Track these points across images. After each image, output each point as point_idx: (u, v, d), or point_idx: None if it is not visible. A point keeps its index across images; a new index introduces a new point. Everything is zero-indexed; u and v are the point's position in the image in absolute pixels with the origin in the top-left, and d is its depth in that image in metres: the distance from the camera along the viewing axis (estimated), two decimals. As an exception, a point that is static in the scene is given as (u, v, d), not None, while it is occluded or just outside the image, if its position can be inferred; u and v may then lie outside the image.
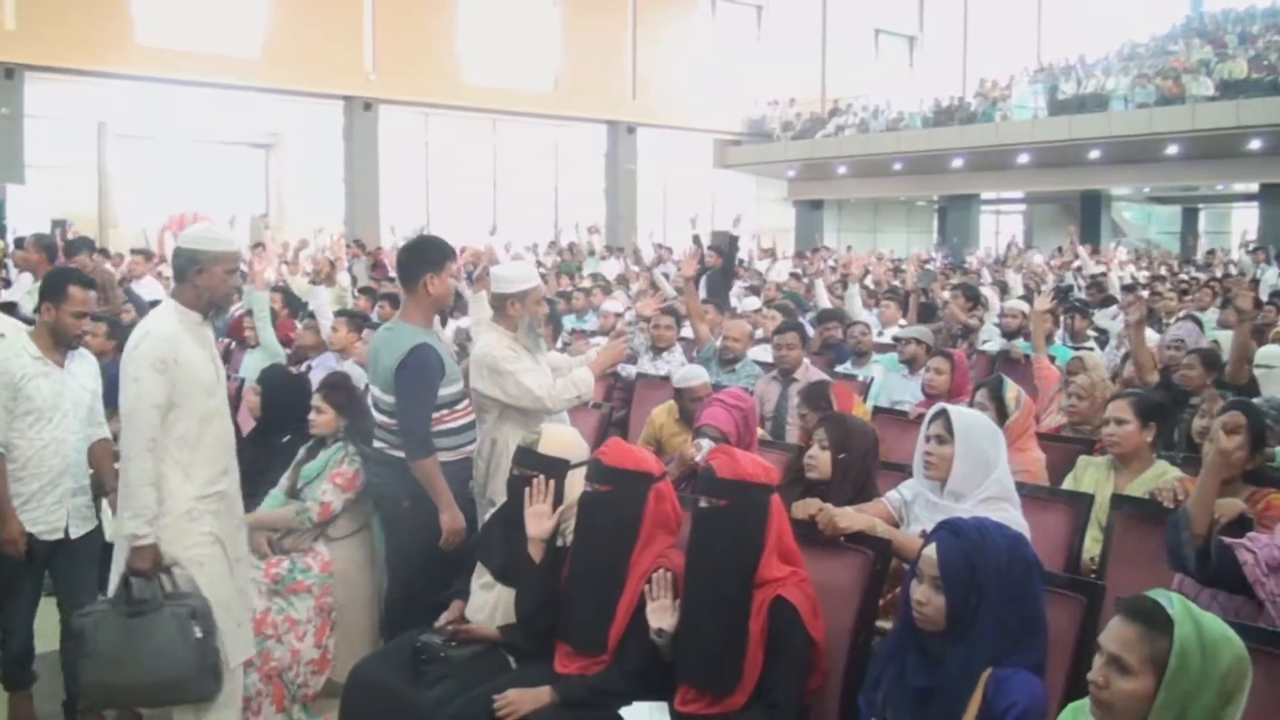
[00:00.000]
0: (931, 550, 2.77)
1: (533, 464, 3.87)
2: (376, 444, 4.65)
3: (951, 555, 2.72)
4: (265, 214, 14.44)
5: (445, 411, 4.50)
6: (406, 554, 4.52)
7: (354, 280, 13.77)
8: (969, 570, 2.69)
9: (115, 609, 3.73)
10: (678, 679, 3.34)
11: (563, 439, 3.98)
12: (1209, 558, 3.21)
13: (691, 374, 5.84)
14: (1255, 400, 5.21)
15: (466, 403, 4.66)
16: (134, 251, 12.65)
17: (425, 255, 4.60)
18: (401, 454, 4.41)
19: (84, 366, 4.65)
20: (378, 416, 4.60)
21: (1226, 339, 7.78)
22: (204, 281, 3.88)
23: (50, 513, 4.44)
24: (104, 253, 13.61)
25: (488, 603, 3.85)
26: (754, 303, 11.06)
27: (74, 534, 4.52)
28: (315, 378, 5.88)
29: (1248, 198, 29.95)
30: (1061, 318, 9.04)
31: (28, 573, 4.48)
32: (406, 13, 24.85)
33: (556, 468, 3.85)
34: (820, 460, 4.09)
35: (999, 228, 38.04)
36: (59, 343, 4.49)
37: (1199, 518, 3.25)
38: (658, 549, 3.56)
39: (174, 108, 22.17)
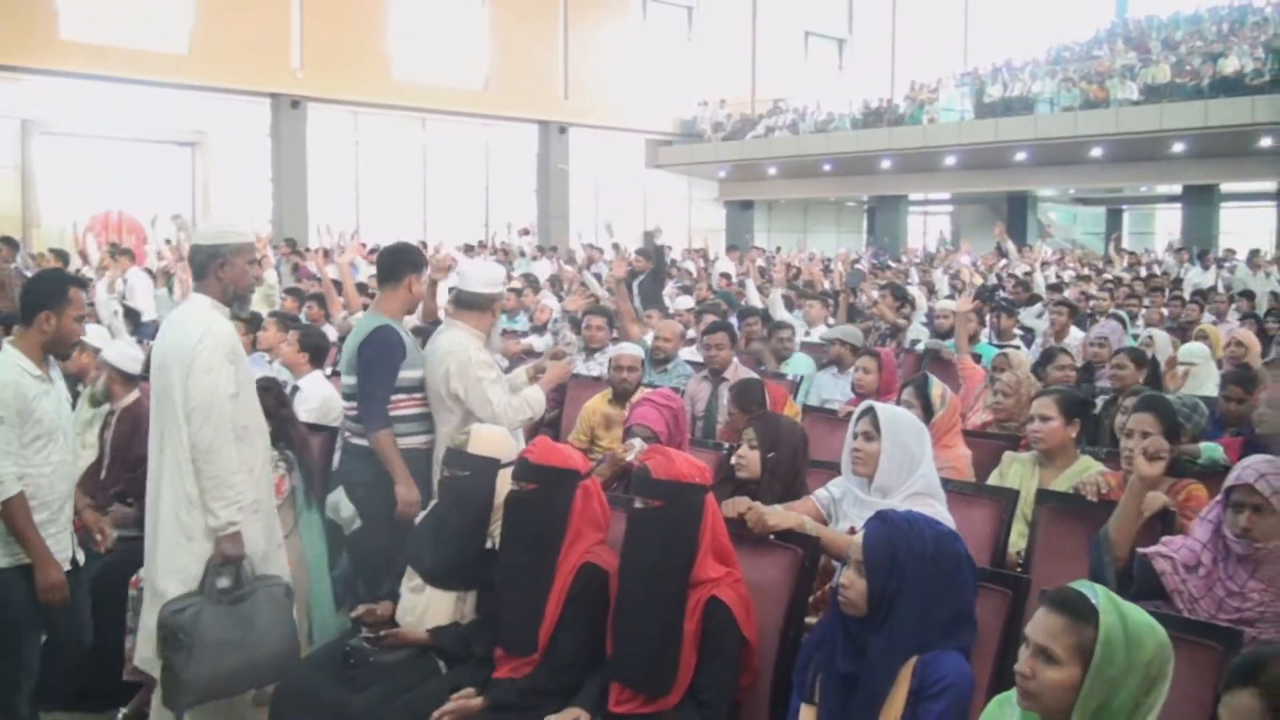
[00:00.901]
0: (860, 537, 2.85)
1: (462, 464, 3.85)
2: (345, 434, 4.87)
3: (875, 540, 2.80)
4: (178, 214, 14.21)
5: (403, 396, 4.69)
6: (377, 541, 4.56)
7: (280, 279, 13.64)
8: (890, 555, 2.76)
9: (212, 599, 3.83)
10: (612, 679, 3.34)
11: (492, 439, 3.95)
12: (1131, 579, 3.28)
13: (624, 347, 6.15)
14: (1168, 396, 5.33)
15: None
16: (51, 251, 12.43)
17: (410, 258, 4.93)
18: (358, 440, 4.66)
19: (58, 376, 4.20)
20: (346, 405, 4.83)
21: (1160, 338, 7.97)
22: (228, 274, 4.02)
23: (59, 541, 4.02)
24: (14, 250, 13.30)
25: (417, 606, 3.82)
26: (686, 302, 11.10)
27: (80, 561, 4.19)
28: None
29: (1171, 199, 30.56)
30: (987, 316, 9.17)
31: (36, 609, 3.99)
32: (335, 10, 24.58)
33: (486, 468, 3.84)
34: (750, 459, 4.11)
35: (927, 228, 38.49)
36: (54, 353, 4.09)
37: (1120, 542, 3.33)
38: (585, 545, 3.56)
39: (99, 105, 21.76)
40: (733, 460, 4.18)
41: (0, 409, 3.78)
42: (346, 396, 4.81)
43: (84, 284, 4.43)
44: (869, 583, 2.77)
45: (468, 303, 4.81)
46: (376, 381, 4.61)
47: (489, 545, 3.79)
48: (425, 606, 3.81)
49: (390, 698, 3.50)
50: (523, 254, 19.75)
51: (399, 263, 4.87)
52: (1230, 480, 3.26)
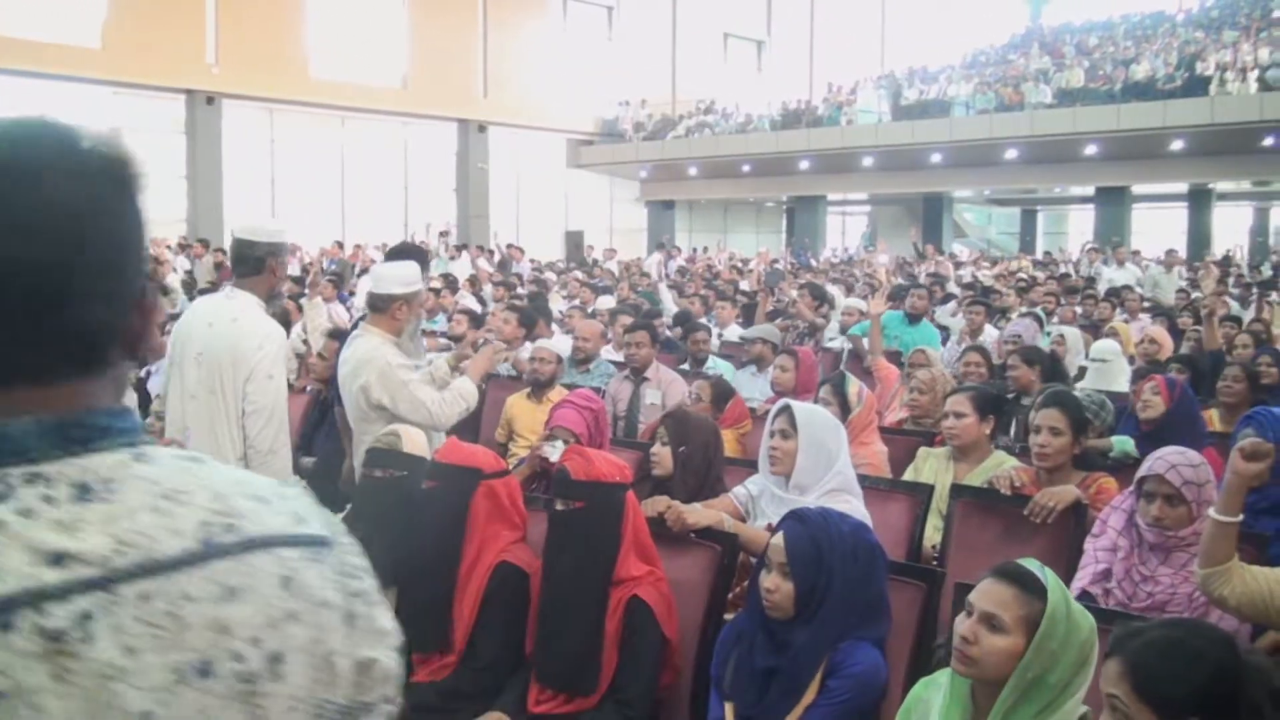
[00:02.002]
0: (779, 539, 2.85)
1: (392, 464, 3.82)
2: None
3: (799, 542, 2.81)
4: None
5: None
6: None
7: (194, 281, 13.44)
8: (815, 555, 2.78)
9: None
10: (533, 679, 3.33)
11: (418, 440, 3.94)
12: None
13: (544, 342, 6.26)
14: (1077, 393, 5.46)
15: None
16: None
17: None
18: None
19: None
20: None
21: (1072, 335, 8.13)
22: (280, 272, 4.23)
23: None
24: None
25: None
26: (607, 302, 11.11)
27: None
28: (155, 384, 5.70)
29: (1084, 200, 31.18)
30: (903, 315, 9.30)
31: None
32: (251, 5, 24.17)
33: (417, 467, 3.81)
34: (663, 456, 4.13)
35: (845, 228, 38.91)
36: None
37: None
38: (501, 545, 3.54)
39: (6, 100, 21.16)
40: (650, 459, 4.20)
41: None
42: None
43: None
44: (796, 585, 2.78)
45: (379, 305, 4.72)
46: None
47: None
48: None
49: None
50: (439, 255, 19.65)
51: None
52: (1143, 471, 3.35)
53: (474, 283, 14.85)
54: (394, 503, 3.78)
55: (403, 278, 4.73)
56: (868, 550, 2.85)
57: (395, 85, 27.45)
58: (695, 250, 28.71)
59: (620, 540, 3.31)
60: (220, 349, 4.01)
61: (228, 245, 17.41)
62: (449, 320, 10.32)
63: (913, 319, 8.99)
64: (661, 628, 3.24)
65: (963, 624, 2.37)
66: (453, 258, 19.59)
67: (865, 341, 7.56)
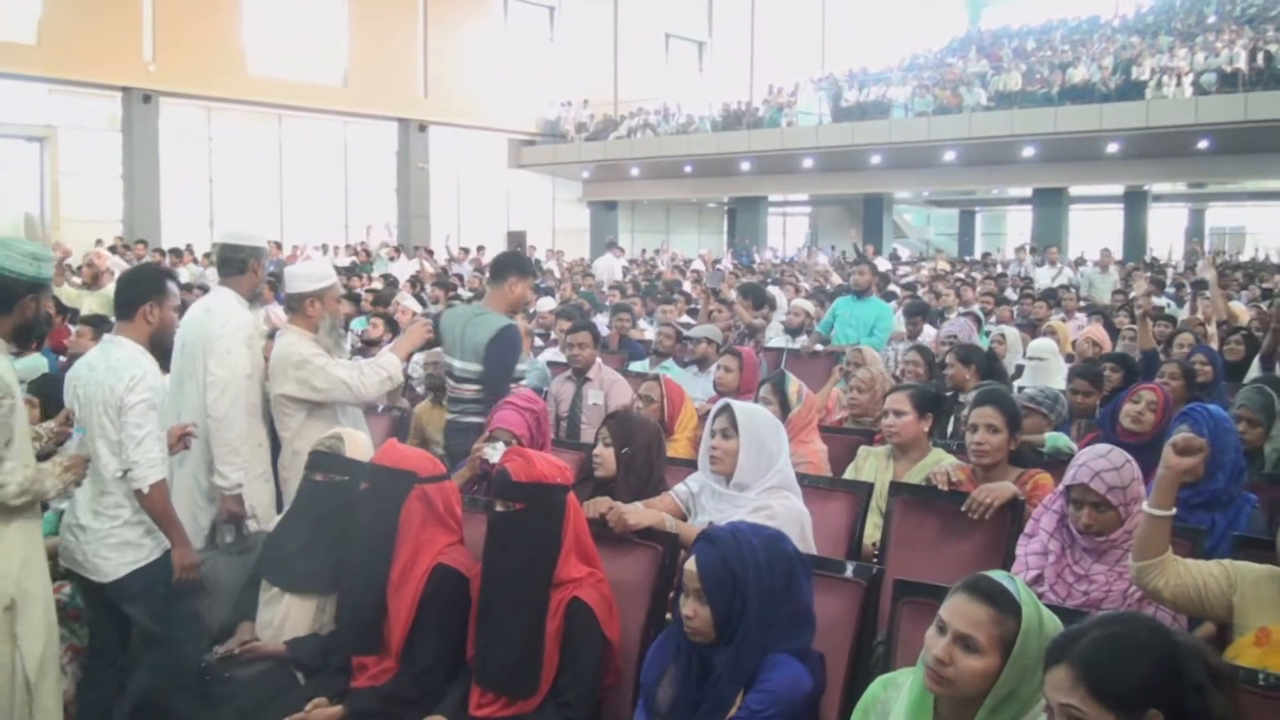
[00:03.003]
0: (692, 564, 2.80)
1: (333, 468, 3.79)
2: (449, 415, 5.43)
3: (711, 565, 2.77)
4: (28, 213, 13.78)
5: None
6: None
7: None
8: (729, 577, 2.74)
9: (222, 551, 4.25)
10: (473, 682, 3.31)
11: (361, 443, 3.90)
12: None
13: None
14: (1028, 390, 5.54)
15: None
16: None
17: (518, 263, 5.66)
18: (474, 419, 5.14)
19: None
20: (455, 386, 5.37)
21: (1011, 334, 8.23)
22: (261, 272, 4.76)
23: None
24: None
25: (274, 618, 3.74)
26: (548, 303, 11.08)
27: None
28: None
29: (1022, 201, 31.58)
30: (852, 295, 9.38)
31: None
32: (188, 1, 23.84)
33: (359, 472, 3.77)
34: (606, 457, 4.12)
35: (786, 229, 39.12)
36: (161, 344, 4.16)
37: None
38: (437, 548, 3.51)
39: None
40: (592, 460, 4.18)
41: (152, 394, 3.94)
42: (460, 379, 5.33)
43: (175, 276, 4.61)
44: (713, 609, 2.75)
45: (293, 305, 4.77)
46: (504, 369, 5.25)
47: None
48: (283, 618, 3.73)
49: (246, 713, 3.43)
50: (380, 255, 19.53)
51: (507, 266, 5.55)
52: (1067, 480, 3.37)
53: (415, 283, 14.75)
54: (336, 507, 3.75)
55: (313, 274, 4.78)
56: (784, 562, 2.81)
57: (335, 83, 27.20)
58: (643, 251, 28.77)
59: (561, 542, 3.29)
60: (194, 338, 4.52)
61: (165, 245, 17.22)
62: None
63: (859, 295, 9.03)
64: (602, 629, 3.22)
65: (936, 643, 2.32)
66: (392, 258, 19.46)
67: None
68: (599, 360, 6.75)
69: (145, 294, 4.08)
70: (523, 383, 6.74)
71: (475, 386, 5.27)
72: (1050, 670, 1.99)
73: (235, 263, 4.67)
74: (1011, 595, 2.30)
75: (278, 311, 9.15)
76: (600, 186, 33.19)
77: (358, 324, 9.89)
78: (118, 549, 3.93)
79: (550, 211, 33.22)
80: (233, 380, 4.44)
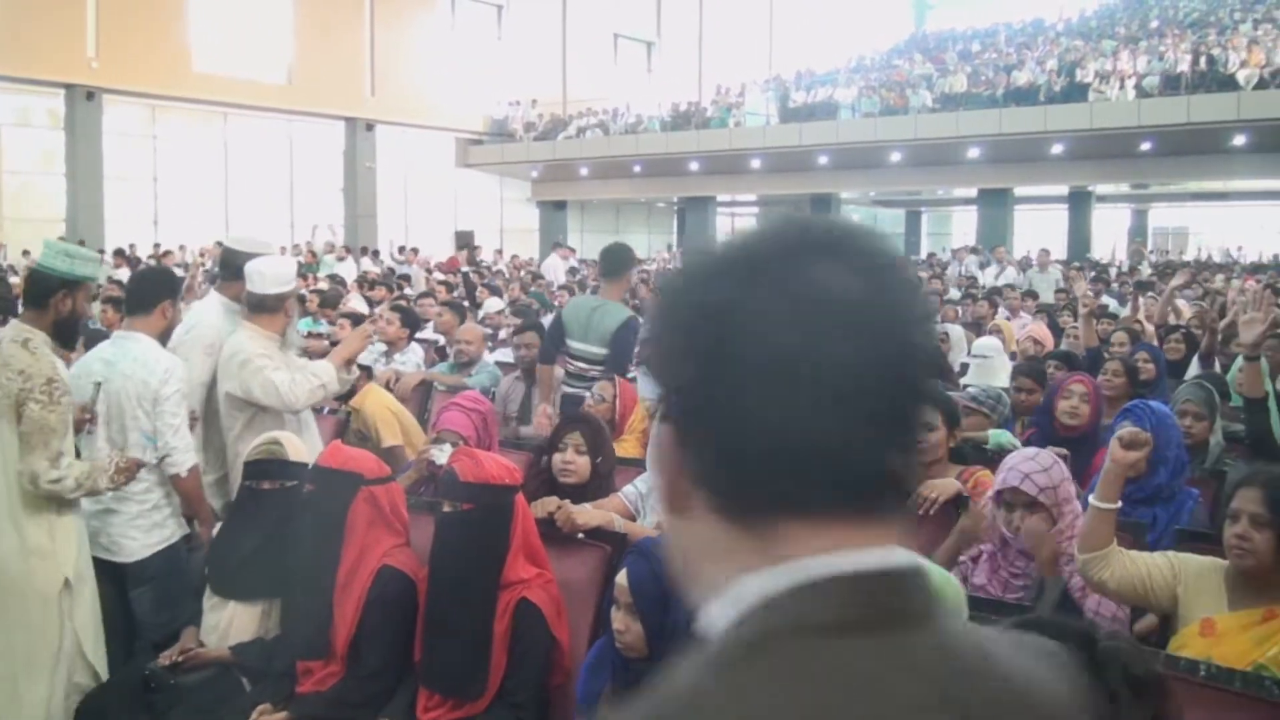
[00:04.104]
0: (623, 577, 2.77)
1: (277, 474, 3.74)
2: (567, 389, 6.13)
3: (642, 579, 2.73)
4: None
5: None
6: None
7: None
8: (659, 592, 2.68)
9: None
10: (420, 684, 3.28)
11: (299, 447, 3.86)
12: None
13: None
14: (969, 390, 5.58)
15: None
16: None
17: (631, 259, 6.51)
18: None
19: None
20: (575, 364, 6.15)
21: (956, 333, 8.30)
22: None
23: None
24: None
25: (219, 624, 3.69)
26: (496, 304, 11.04)
27: None
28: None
29: (967, 202, 31.86)
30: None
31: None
32: (132, -3, 23.53)
33: (295, 475, 3.73)
34: (579, 465, 4.05)
35: (734, 229, 39.13)
36: (162, 341, 4.42)
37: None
38: (382, 550, 3.49)
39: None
40: (557, 466, 4.11)
41: (182, 385, 4.18)
42: (581, 358, 6.13)
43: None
44: (644, 623, 2.71)
45: (258, 305, 4.68)
46: (628, 354, 5.95)
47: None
48: (228, 623, 3.69)
49: (193, 720, 3.38)
50: (324, 256, 19.38)
51: (624, 261, 6.40)
52: (998, 484, 3.42)
53: (362, 284, 14.65)
54: (278, 513, 3.70)
55: (281, 275, 4.74)
56: None
57: (280, 81, 26.98)
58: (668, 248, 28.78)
59: (509, 542, 3.27)
60: (188, 339, 4.70)
61: (109, 245, 16.94)
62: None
63: None
64: (551, 630, 3.21)
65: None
66: (340, 259, 19.31)
67: None
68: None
69: (165, 293, 4.38)
70: (471, 381, 6.74)
71: (599, 367, 5.99)
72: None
73: (233, 268, 4.76)
74: None
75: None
76: (549, 186, 33.12)
77: (304, 325, 9.80)
78: (146, 530, 4.19)
79: (498, 211, 33.14)
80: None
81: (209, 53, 25.27)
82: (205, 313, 4.72)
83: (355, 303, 11.50)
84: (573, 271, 19.94)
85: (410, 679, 3.34)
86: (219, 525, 4.04)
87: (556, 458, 4.11)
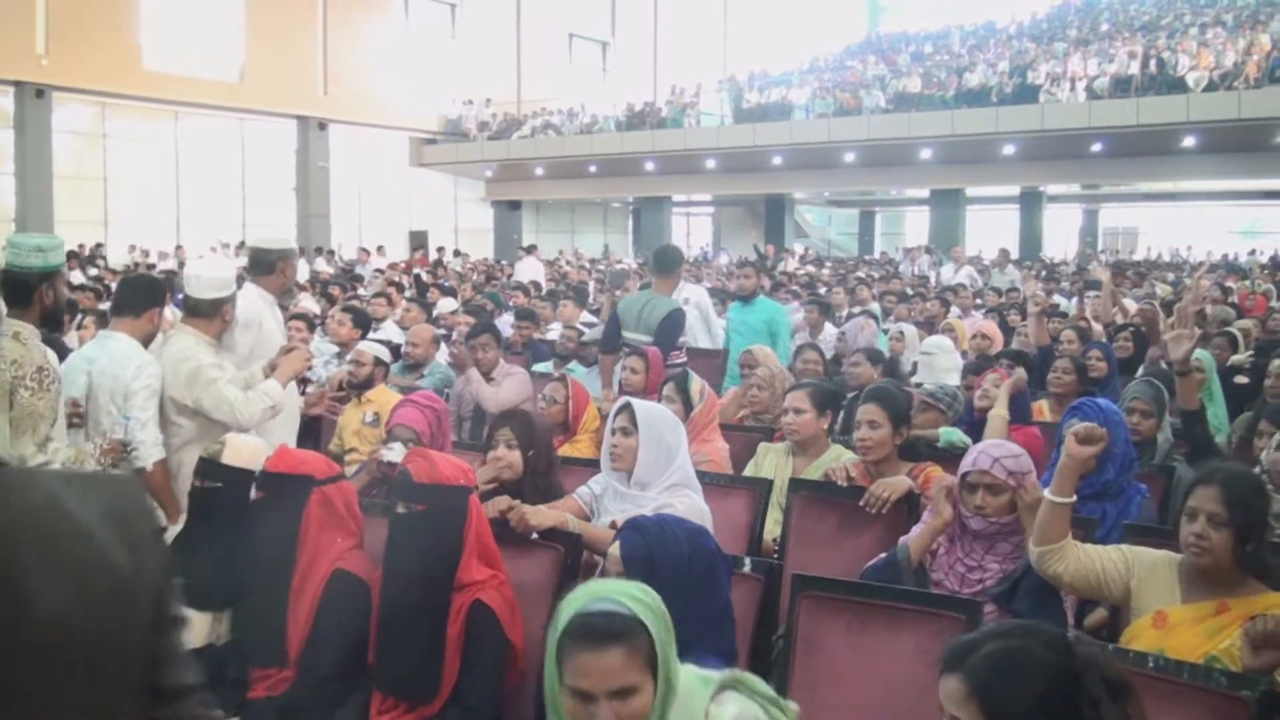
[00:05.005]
0: (616, 549, 2.78)
1: (216, 476, 3.68)
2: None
3: (634, 551, 2.74)
4: None
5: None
6: None
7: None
8: (649, 563, 2.70)
9: None
10: (374, 687, 3.26)
11: (245, 449, 3.79)
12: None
13: (363, 345, 6.34)
14: (926, 386, 5.62)
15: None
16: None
17: (680, 258, 7.47)
18: None
19: None
20: (629, 353, 6.45)
21: (910, 332, 8.35)
22: (290, 273, 5.22)
23: None
24: None
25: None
26: (449, 304, 10.98)
27: None
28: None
29: (920, 202, 32.09)
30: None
31: None
32: (82, -8, 23.18)
33: (241, 480, 3.68)
34: (511, 459, 4.07)
35: (690, 229, 39.30)
36: (145, 345, 4.50)
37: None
38: (335, 553, 3.45)
39: None
40: (489, 459, 4.12)
41: (154, 381, 4.29)
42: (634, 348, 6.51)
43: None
44: None
45: (194, 308, 4.65)
46: (671, 340, 6.65)
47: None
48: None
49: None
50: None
51: (674, 260, 7.30)
52: (965, 466, 3.46)
53: (314, 284, 14.55)
54: (222, 516, 3.65)
55: (222, 280, 4.71)
56: (706, 557, 2.78)
57: (231, 79, 26.68)
58: (560, 252, 28.71)
59: (463, 544, 3.25)
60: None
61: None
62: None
63: (745, 300, 9.02)
64: (505, 632, 3.19)
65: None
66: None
67: None
68: (502, 361, 6.72)
69: (154, 300, 4.54)
70: (423, 383, 6.71)
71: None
72: (945, 677, 1.95)
73: (264, 264, 5.09)
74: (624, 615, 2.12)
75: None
76: (504, 186, 33.01)
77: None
78: None
79: (453, 211, 32.99)
80: (254, 356, 4.89)
81: (160, 50, 24.94)
82: (253, 303, 4.98)
83: (306, 303, 11.41)
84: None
85: (364, 682, 3.31)
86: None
87: (489, 454, 4.11)
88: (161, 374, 4.38)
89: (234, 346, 4.84)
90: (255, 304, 5.00)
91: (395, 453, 4.30)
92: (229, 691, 3.43)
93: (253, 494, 3.62)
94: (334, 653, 3.34)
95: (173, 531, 4.02)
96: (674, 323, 6.76)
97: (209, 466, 3.68)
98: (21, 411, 3.67)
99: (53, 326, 4.10)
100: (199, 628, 3.62)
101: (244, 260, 18.67)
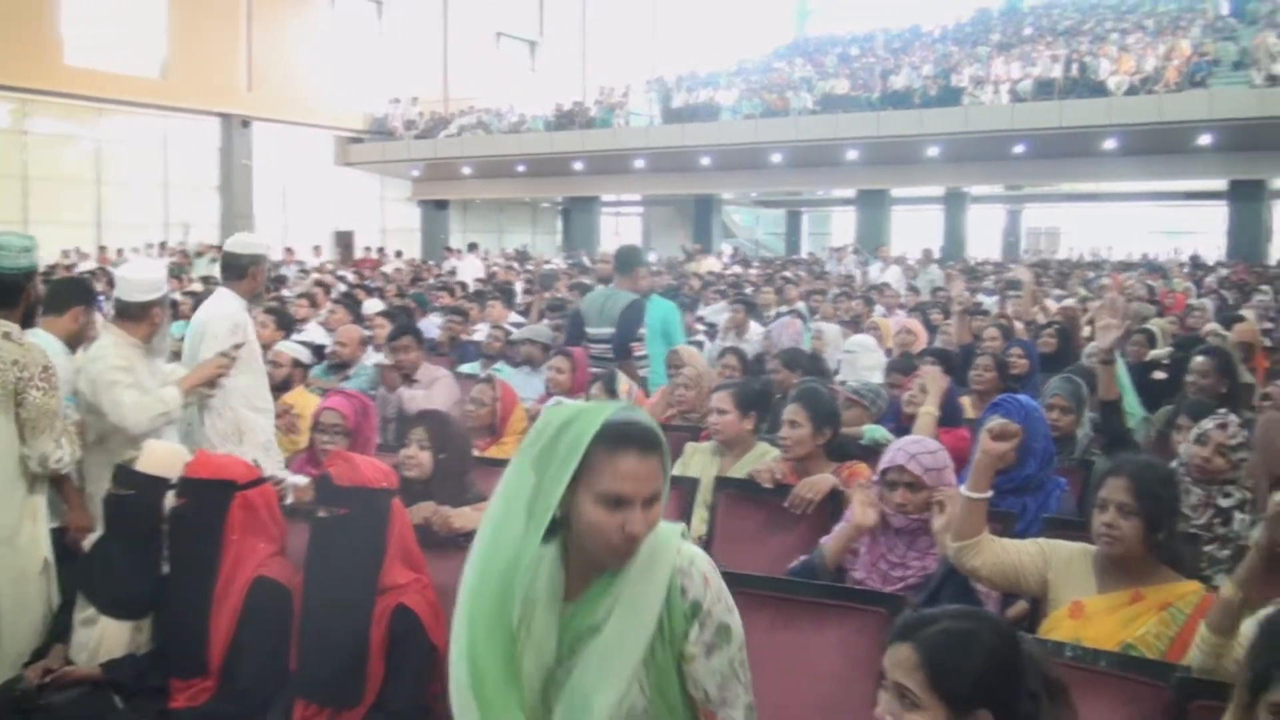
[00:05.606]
0: None
1: (129, 483, 3.61)
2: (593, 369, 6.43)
3: None
4: None
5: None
6: None
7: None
8: None
9: None
10: (295, 695, 3.21)
11: (160, 456, 3.71)
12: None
13: (280, 345, 6.58)
14: (850, 383, 5.67)
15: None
16: None
17: (641, 258, 7.50)
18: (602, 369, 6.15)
19: None
20: (594, 348, 6.82)
21: (830, 331, 8.41)
22: (260, 276, 5.32)
23: None
24: None
25: (90, 640, 3.55)
26: (375, 305, 10.88)
27: None
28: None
29: (846, 202, 32.42)
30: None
31: None
32: (-2, -14, 22.66)
33: (154, 487, 3.61)
34: (422, 459, 4.04)
35: (619, 229, 39.34)
36: (73, 345, 4.56)
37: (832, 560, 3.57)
38: (257, 559, 3.40)
39: None
40: (401, 459, 4.09)
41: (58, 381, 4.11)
42: (597, 341, 6.87)
43: None
44: None
45: (122, 311, 4.59)
46: (631, 330, 6.80)
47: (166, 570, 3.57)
48: (99, 640, 3.55)
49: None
50: (200, 254, 18.94)
51: (633, 258, 7.35)
52: (884, 463, 3.53)
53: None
54: (136, 523, 3.57)
55: (151, 282, 4.65)
56: None
57: (153, 75, 26.23)
58: (488, 252, 28.58)
59: (385, 547, 3.22)
60: (197, 331, 5.12)
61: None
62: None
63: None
64: (429, 636, 3.17)
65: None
66: (214, 259, 18.88)
67: None
68: (425, 363, 6.67)
69: (77, 299, 4.52)
70: (349, 384, 6.64)
71: (606, 345, 6.78)
72: (895, 646, 1.98)
73: (236, 268, 5.21)
74: None
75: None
76: (431, 185, 32.81)
77: (176, 328, 9.54)
78: None
79: (379, 211, 32.73)
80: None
81: (81, 45, 24.46)
82: (225, 304, 5.11)
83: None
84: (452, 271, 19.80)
85: (287, 690, 3.26)
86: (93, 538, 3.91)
87: (401, 452, 4.10)
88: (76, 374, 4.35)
89: (245, 355, 5.02)
90: (234, 309, 5.11)
91: (297, 479, 4.29)
92: (149, 702, 3.37)
93: (172, 500, 3.56)
94: (256, 661, 3.29)
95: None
96: (635, 311, 6.90)
97: (122, 473, 3.61)
98: (36, 411, 3.81)
99: (27, 324, 4.11)
100: (118, 637, 3.56)
101: (169, 261, 18.56)
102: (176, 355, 5.82)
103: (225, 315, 5.05)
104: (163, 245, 22.24)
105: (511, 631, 2.05)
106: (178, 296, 11.45)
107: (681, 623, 2.08)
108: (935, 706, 1.88)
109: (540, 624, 2.12)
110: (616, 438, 2.02)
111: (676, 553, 2.11)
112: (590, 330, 7.01)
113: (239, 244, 5.37)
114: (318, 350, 7.60)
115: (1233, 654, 2.58)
